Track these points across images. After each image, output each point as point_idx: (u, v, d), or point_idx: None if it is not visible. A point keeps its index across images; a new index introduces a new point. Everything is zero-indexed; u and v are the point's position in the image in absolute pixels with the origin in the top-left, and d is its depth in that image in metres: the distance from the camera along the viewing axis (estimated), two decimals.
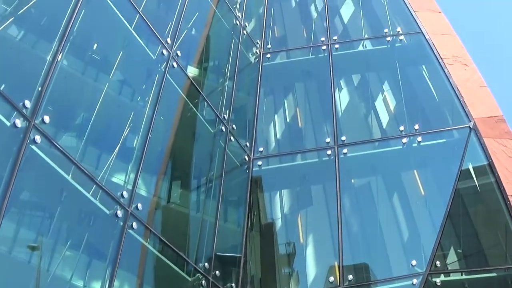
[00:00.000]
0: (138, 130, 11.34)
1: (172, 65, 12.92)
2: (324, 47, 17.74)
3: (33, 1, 9.56)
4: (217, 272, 12.36)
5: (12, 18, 9.09)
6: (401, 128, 15.03)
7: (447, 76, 15.74)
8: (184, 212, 13.08)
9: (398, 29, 17.71)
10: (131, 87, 12.21)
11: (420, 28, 17.37)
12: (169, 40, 13.03)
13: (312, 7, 20.83)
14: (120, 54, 11.80)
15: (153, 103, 11.83)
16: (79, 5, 10.16)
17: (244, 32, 17.53)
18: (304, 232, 14.87)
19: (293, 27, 20.38)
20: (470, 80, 15.63)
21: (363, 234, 14.60)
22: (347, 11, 20.03)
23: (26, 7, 9.41)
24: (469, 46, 16.99)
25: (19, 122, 8.13)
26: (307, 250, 14.61)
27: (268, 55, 18.01)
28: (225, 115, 14.59)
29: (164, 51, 12.78)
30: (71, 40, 9.79)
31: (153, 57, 12.58)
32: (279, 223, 15.40)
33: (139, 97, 12.36)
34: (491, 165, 13.65)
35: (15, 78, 8.58)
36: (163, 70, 12.59)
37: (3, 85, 8.01)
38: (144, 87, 12.45)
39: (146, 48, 12.49)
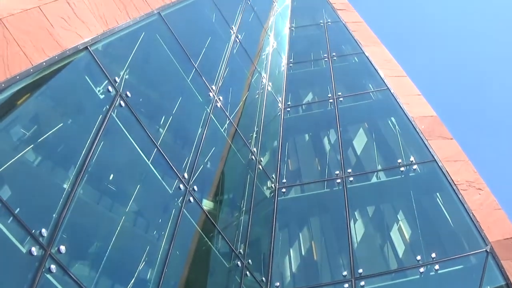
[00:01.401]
0: (153, 263, 11.29)
1: (189, 199, 13.01)
2: (338, 180, 17.84)
3: (53, 129, 9.80)
4: None
5: (31, 144, 9.28)
6: (418, 257, 14.89)
7: (461, 202, 15.76)
8: None
9: (412, 158, 17.87)
10: (147, 220, 12.25)
11: (433, 156, 17.53)
12: (186, 175, 13.18)
13: (326, 140, 21.17)
14: (138, 187, 11.92)
15: (169, 237, 11.83)
16: (99, 136, 10.40)
17: (260, 166, 17.74)
18: None
19: (307, 160, 20.63)
20: (485, 204, 15.63)
21: None
22: (360, 142, 20.30)
23: (46, 134, 9.64)
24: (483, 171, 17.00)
25: (35, 250, 8.11)
26: None
27: (283, 190, 18.12)
28: (240, 250, 14.54)
29: (181, 186, 12.90)
30: (89, 170, 9.93)
31: (170, 192, 12.68)
32: None
33: (155, 231, 12.36)
34: (509, 286, 13.45)
35: (32, 205, 8.64)
36: (180, 204, 12.65)
37: (19, 210, 8.07)
38: (160, 220, 12.48)
39: (163, 182, 12.62)
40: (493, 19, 53.48)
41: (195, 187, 13.38)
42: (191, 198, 13.08)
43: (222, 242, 14.12)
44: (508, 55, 51.85)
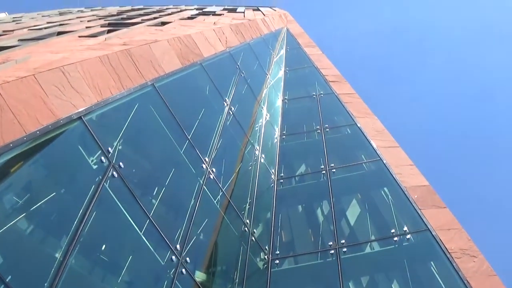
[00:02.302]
0: None
1: (181, 271, 12.91)
2: (332, 251, 17.75)
3: (45, 198, 9.80)
4: None
5: (24, 212, 9.27)
6: None
7: (456, 270, 15.69)
8: None
9: (405, 228, 17.84)
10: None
11: (426, 225, 17.52)
12: (178, 247, 13.11)
13: (319, 211, 21.16)
14: (130, 258, 11.85)
15: None
16: (91, 206, 10.40)
17: (253, 238, 17.68)
18: None
19: (300, 231, 20.59)
20: (479, 271, 15.57)
21: None
22: (353, 213, 20.31)
23: (39, 203, 9.63)
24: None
25: None
26: None
27: (277, 261, 18.01)
28: None
29: (174, 257, 12.82)
30: (81, 240, 9.90)
31: (162, 263, 12.60)
32: None
33: None
34: None
35: (24, 273, 8.59)
36: (172, 276, 12.55)
37: (11, 278, 8.01)
38: None
39: (155, 253, 12.55)
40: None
41: (188, 259, 13.29)
42: (184, 270, 12.99)
43: None
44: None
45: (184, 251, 13.26)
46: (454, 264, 15.93)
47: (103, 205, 11.12)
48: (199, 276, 14.02)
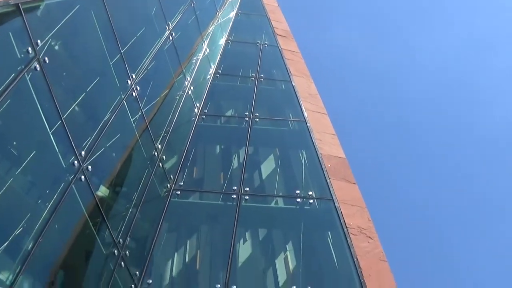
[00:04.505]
0: (30, 231, 10.96)
1: (80, 178, 12.72)
2: (234, 196, 17.84)
3: None
4: None
5: None
6: (294, 287, 14.96)
7: (349, 246, 15.87)
8: None
9: (310, 192, 17.99)
10: (34, 187, 11.90)
11: (331, 195, 17.67)
12: (83, 153, 12.91)
13: (232, 155, 21.19)
14: (33, 152, 11.62)
15: (51, 209, 11.50)
16: (6, 93, 10.18)
17: (160, 164, 17.58)
18: None
19: (209, 170, 20.60)
20: (371, 252, 15.77)
21: None
22: (265, 165, 20.38)
23: None
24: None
25: None
26: None
27: (178, 192, 18.00)
28: (120, 240, 14.30)
29: (76, 163, 12.61)
30: None
31: (64, 165, 12.41)
32: None
33: (39, 200, 11.99)
34: None
35: None
36: (70, 180, 12.37)
37: None
38: (47, 191, 12.15)
39: (59, 154, 12.34)
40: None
41: (90, 167, 13.10)
42: (83, 177, 12.79)
43: (103, 228, 13.81)
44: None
45: (88, 160, 13.09)
46: (348, 240, 16.08)
47: (18, 95, 10.88)
48: (97, 188, 13.88)
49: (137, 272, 14.93)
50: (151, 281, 15.12)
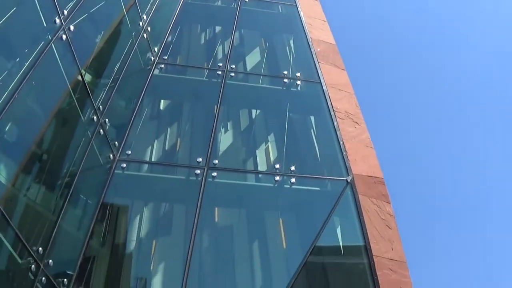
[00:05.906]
0: (5, 86, 10.28)
1: (61, 37, 11.97)
2: (219, 72, 17.27)
3: None
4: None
5: None
6: (277, 166, 14.51)
7: (335, 129, 15.43)
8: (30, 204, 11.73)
9: (298, 74, 17.45)
10: (13, 46, 11.15)
11: (319, 78, 17.17)
12: (65, 12, 12.12)
13: (221, 33, 20.51)
14: (13, 9, 10.82)
15: (29, 67, 10.80)
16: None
17: (144, 35, 16.78)
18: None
19: (195, 47, 19.95)
20: (358, 138, 15.37)
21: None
22: (252, 45, 19.88)
23: None
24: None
25: None
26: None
27: (162, 66, 17.36)
28: (100, 106, 13.61)
29: (58, 21, 11.84)
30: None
31: (45, 24, 11.64)
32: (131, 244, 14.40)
33: (18, 58, 11.24)
34: (361, 223, 13.20)
35: None
36: (50, 38, 11.63)
37: None
38: (26, 50, 11.39)
39: (40, 13, 11.55)
40: None
41: (72, 27, 12.34)
42: (64, 36, 12.07)
43: (82, 90, 13.05)
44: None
45: (70, 18, 12.31)
46: (335, 123, 15.65)
47: None
48: (80, 53, 12.95)
49: (116, 142, 14.36)
50: (130, 152, 14.58)
